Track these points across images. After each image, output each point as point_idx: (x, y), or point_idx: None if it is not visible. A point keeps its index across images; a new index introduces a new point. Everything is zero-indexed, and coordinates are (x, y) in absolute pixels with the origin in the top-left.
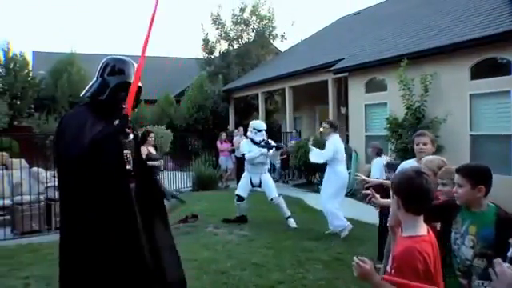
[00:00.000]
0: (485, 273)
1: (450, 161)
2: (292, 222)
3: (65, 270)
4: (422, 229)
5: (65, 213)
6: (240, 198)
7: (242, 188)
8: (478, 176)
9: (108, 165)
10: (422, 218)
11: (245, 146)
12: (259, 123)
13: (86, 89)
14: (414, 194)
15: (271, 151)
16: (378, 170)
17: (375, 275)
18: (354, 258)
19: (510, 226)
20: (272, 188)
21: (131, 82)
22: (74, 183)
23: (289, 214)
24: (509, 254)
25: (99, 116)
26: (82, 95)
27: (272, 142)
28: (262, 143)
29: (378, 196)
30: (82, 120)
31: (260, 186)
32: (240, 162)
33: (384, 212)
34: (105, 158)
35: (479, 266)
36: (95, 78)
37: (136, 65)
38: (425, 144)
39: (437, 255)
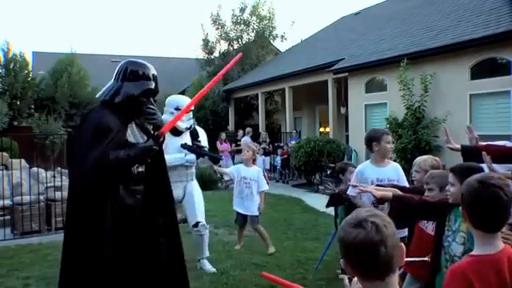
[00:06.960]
0: None
1: (449, 161)
2: (207, 265)
3: (65, 268)
4: (492, 247)
5: (78, 211)
6: None
7: None
8: (468, 175)
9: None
10: (495, 235)
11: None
12: (178, 98)
13: (103, 90)
14: (481, 209)
15: (201, 159)
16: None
17: None
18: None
19: None
20: (198, 208)
21: (151, 88)
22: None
23: (207, 254)
24: None
25: (118, 115)
26: (97, 96)
27: (204, 148)
28: (188, 146)
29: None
30: (112, 125)
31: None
32: None
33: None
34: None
35: None
36: (113, 81)
37: (154, 69)
38: (387, 142)
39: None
